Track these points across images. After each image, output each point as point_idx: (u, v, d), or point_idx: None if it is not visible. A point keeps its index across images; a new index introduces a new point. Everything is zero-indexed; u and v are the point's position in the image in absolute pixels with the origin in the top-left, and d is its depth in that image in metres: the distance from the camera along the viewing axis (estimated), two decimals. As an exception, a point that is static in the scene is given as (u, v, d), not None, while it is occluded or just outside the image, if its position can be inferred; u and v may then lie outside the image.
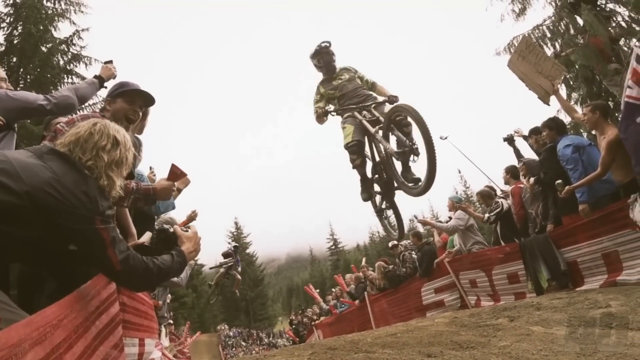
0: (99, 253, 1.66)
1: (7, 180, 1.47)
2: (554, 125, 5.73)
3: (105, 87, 3.50)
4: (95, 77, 3.50)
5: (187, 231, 2.19)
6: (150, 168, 4.65)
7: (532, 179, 5.83)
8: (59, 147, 1.78)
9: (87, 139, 1.81)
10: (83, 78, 13.19)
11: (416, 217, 7.68)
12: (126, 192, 2.57)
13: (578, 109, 8.24)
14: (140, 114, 3.00)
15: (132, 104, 2.89)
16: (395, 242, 9.84)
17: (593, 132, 5.67)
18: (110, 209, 1.76)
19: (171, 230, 2.20)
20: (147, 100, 2.99)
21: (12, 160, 1.54)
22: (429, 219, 7.84)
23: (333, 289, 15.78)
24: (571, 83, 10.83)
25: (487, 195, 7.18)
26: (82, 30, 14.87)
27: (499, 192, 7.38)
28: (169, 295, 10.15)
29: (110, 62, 3.60)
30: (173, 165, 2.80)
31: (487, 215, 6.73)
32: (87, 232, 1.63)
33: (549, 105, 6.44)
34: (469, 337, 3.53)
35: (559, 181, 5.14)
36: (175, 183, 3.95)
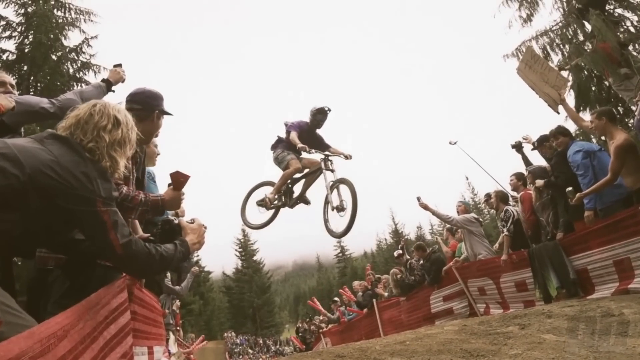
0: (101, 236, 1.65)
1: (5, 164, 1.47)
2: (568, 132, 5.73)
3: (113, 91, 3.46)
4: (103, 80, 3.45)
5: (192, 223, 2.17)
6: None
7: (541, 181, 5.78)
8: (61, 130, 1.78)
9: (87, 120, 1.80)
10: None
11: (419, 199, 7.53)
12: (134, 204, 2.54)
13: (585, 117, 8.19)
14: None
15: None
16: (401, 251, 9.81)
17: (602, 137, 5.65)
18: (114, 191, 1.75)
19: (176, 221, 2.19)
20: None
21: (11, 145, 1.54)
22: (430, 206, 7.67)
23: (336, 299, 15.71)
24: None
25: (503, 198, 7.06)
26: (91, 38, 15.13)
27: (509, 199, 7.30)
28: (178, 302, 10.17)
29: (120, 65, 3.54)
30: (175, 173, 2.64)
31: (505, 230, 6.64)
32: (88, 214, 1.62)
33: (558, 113, 6.48)
34: (479, 345, 3.49)
35: (570, 188, 5.10)
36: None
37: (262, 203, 6.43)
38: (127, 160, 1.97)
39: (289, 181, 6.38)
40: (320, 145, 6.36)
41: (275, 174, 6.50)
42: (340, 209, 5.74)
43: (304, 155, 6.18)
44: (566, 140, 5.59)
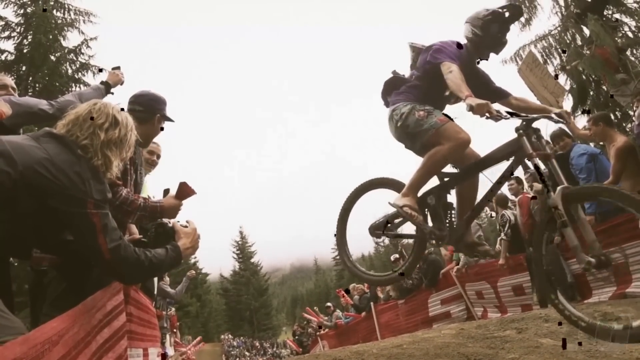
0: (89, 239, 1.62)
1: None
2: (570, 135, 5.73)
3: (112, 93, 3.50)
4: (102, 83, 3.51)
5: (186, 227, 2.14)
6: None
7: (539, 185, 5.77)
8: (60, 127, 1.76)
9: (86, 117, 1.79)
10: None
11: None
12: (133, 208, 2.56)
13: (582, 120, 8.23)
14: None
15: None
16: (397, 255, 9.79)
17: (601, 143, 5.68)
18: (107, 193, 1.72)
19: (170, 224, 2.17)
20: None
21: (5, 142, 1.53)
22: None
23: (329, 304, 15.71)
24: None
25: (502, 201, 7.07)
26: (90, 39, 15.14)
27: (509, 202, 7.31)
28: (172, 310, 10.15)
29: (118, 68, 3.60)
30: (183, 184, 2.70)
31: (502, 235, 6.63)
32: (78, 215, 1.59)
33: None
34: (476, 349, 3.48)
35: None
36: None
37: (383, 228, 3.24)
38: (128, 162, 1.95)
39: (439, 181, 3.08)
40: (493, 93, 3.14)
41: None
42: (602, 263, 2.40)
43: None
44: (569, 142, 5.59)
